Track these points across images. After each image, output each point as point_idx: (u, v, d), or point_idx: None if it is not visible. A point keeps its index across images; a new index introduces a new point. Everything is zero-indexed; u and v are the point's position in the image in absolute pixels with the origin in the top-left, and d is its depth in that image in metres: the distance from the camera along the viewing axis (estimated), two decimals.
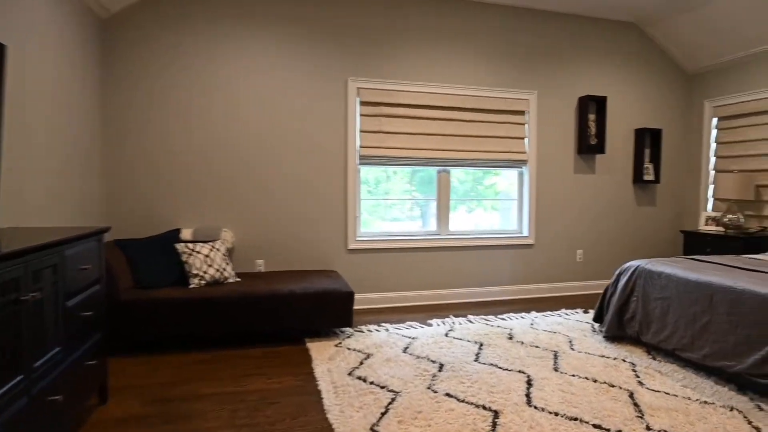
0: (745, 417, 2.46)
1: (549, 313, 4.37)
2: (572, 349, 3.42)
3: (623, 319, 3.54)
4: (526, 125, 4.94)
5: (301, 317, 3.54)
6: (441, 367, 3.09)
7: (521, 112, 4.92)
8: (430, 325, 4.04)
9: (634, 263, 3.57)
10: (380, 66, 4.47)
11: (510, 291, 4.98)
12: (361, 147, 4.48)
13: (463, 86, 4.68)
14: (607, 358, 3.26)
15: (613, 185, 5.23)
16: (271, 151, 4.26)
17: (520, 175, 5.05)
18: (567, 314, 4.34)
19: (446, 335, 3.73)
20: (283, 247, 4.34)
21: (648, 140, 5.21)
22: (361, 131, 4.48)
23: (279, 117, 4.26)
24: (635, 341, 3.53)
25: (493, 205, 5.02)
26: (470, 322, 4.11)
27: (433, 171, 4.80)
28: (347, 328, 3.81)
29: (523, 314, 4.32)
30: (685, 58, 5.26)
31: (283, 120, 4.28)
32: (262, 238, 4.28)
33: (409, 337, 3.67)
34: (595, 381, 2.89)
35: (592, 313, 4.35)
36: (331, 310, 3.60)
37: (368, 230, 4.70)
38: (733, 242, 4.40)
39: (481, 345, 3.50)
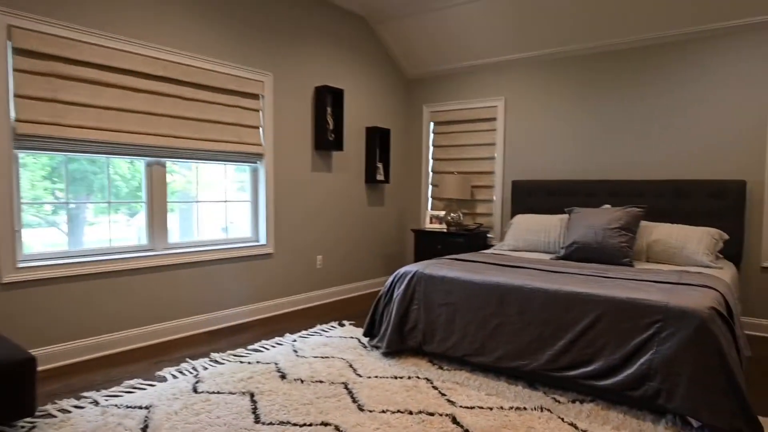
0: (558, 416, 2.38)
1: (305, 333, 3.71)
2: (360, 376, 2.85)
3: (404, 331, 3.18)
4: (261, 112, 4.16)
5: None
6: None
7: (256, 96, 4.11)
8: (164, 379, 2.81)
9: (411, 269, 3.27)
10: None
11: (249, 311, 4.10)
12: (18, 121, 2.83)
13: (183, 53, 3.54)
14: (401, 378, 2.82)
15: (348, 185, 4.97)
16: None
17: (254, 171, 4.22)
18: (325, 331, 3.77)
19: (195, 391, 2.62)
20: None
21: (378, 140, 5.16)
22: (17, 96, 2.83)
23: None
24: (416, 352, 3.23)
25: (171, 207, 3.85)
26: (218, 362, 3.07)
27: (127, 162, 3.49)
28: (25, 420, 2.24)
29: (278, 339, 3.52)
30: (407, 62, 5.44)
31: None
32: None
33: (141, 408, 2.41)
34: (410, 413, 2.38)
35: (350, 326, 3.92)
36: None
37: (33, 251, 3.05)
38: (457, 238, 4.70)
39: (253, 396, 2.56)
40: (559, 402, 2.54)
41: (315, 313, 4.33)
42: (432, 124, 5.43)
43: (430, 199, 5.50)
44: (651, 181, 4.00)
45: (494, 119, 4.98)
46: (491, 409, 2.45)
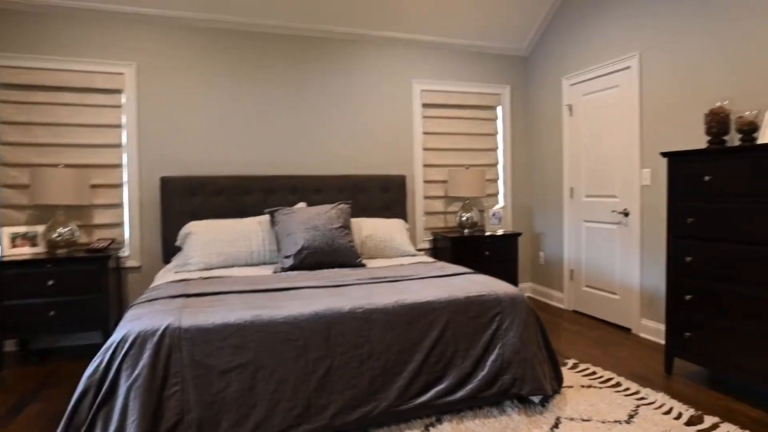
0: None
1: None
2: None
3: None
4: None
5: None
6: None
7: None
8: None
9: (150, 325, 1.88)
10: None
11: None
12: None
13: None
14: None
15: None
16: None
17: None
18: None
19: None
20: None
21: None
22: None
23: None
24: None
25: None
26: None
27: None
28: None
29: None
30: None
31: None
32: None
33: None
34: None
35: None
36: None
37: None
38: (81, 265, 3.03)
39: None
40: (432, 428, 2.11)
41: None
42: None
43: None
44: (331, 176, 3.87)
45: (119, 92, 3.49)
46: None
